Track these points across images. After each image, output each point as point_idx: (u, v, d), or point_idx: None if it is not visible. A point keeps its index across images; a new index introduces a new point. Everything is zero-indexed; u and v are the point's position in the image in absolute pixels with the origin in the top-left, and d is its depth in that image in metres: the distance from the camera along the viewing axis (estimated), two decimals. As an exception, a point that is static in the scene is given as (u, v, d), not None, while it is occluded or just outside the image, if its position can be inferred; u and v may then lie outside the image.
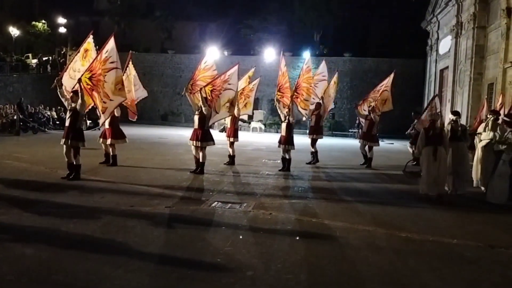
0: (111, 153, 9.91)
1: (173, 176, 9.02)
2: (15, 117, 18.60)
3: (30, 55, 35.44)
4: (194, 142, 9.29)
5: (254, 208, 6.40)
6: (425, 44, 28.13)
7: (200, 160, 9.35)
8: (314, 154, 12.05)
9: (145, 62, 33.25)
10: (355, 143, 14.34)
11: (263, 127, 29.58)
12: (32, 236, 4.57)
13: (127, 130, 10.32)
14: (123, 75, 9.18)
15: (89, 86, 8.11)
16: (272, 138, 12.41)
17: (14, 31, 37.54)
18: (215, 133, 10.25)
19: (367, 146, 12.04)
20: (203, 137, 9.23)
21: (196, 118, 9.37)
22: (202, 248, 4.48)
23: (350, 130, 28.08)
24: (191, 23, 42.40)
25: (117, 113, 9.82)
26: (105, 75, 8.33)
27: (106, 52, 8.35)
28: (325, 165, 11.99)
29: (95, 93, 8.22)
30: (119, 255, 4.12)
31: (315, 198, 7.43)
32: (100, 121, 8.99)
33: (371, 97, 12.48)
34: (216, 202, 6.63)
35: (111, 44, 8.41)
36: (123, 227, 5.10)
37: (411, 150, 12.00)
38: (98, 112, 8.64)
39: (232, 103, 9.78)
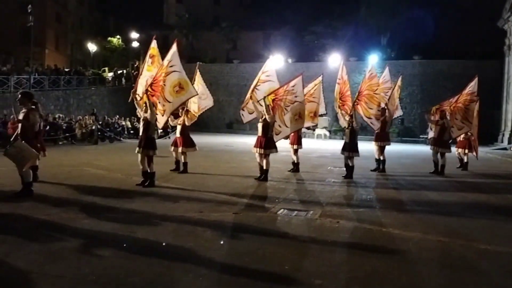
0: (183, 161, 10.28)
1: (239, 183, 9.16)
2: (93, 127, 19.95)
3: (106, 69, 37.87)
4: (258, 149, 9.40)
5: (320, 216, 6.33)
6: (502, 44, 26.33)
7: (264, 167, 9.43)
8: (382, 162, 11.65)
9: (211, 72, 34.25)
10: (426, 149, 13.71)
11: (327, 134, 29.23)
12: (110, 240, 4.84)
13: (195, 138, 10.66)
14: (193, 83, 9.50)
15: (151, 94, 8.45)
16: (337, 145, 12.20)
17: (92, 47, 40.34)
18: (279, 141, 10.27)
19: (439, 153, 11.48)
20: (267, 145, 9.30)
21: (259, 126, 9.47)
22: (269, 256, 4.49)
23: (420, 136, 26.87)
24: (255, 32, 43.09)
25: (187, 122, 10.20)
26: (165, 79, 8.61)
27: (168, 57, 8.66)
28: (393, 173, 11.58)
29: (155, 99, 8.54)
30: (189, 260, 4.25)
31: (384, 207, 7.18)
32: (159, 125, 9.19)
33: (447, 107, 11.91)
34: (282, 210, 6.63)
35: (173, 49, 8.73)
36: (192, 233, 5.25)
37: None
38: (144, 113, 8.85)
39: (301, 115, 9.80)
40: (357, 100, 10.48)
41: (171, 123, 10.41)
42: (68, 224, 5.40)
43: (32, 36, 29.57)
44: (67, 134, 18.87)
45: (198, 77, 10.61)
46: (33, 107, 7.43)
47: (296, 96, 9.63)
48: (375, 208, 7.16)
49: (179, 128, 10.25)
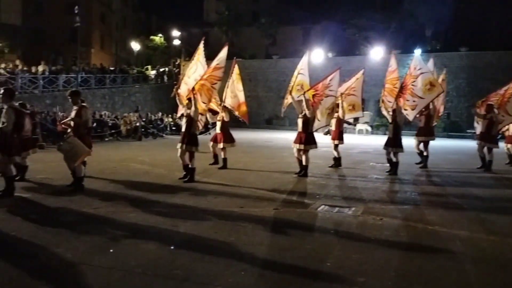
0: (222, 156, 10.40)
1: (279, 178, 9.15)
2: (137, 124, 20.53)
3: (149, 67, 38.84)
4: (298, 145, 9.35)
5: (363, 212, 6.21)
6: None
7: (304, 163, 9.37)
8: (425, 158, 11.27)
9: (250, 68, 34.36)
10: (473, 144, 13.15)
11: (369, 129, 28.65)
12: (154, 233, 4.97)
13: (235, 134, 10.74)
14: (228, 81, 9.63)
15: (195, 92, 8.60)
16: (380, 141, 11.94)
17: (135, 46, 41.45)
18: (320, 136, 10.18)
19: (485, 148, 10.97)
20: (307, 140, 9.23)
21: (299, 121, 9.41)
22: (310, 252, 4.46)
23: (468, 130, 25.80)
24: (294, 27, 42.82)
25: (226, 118, 10.30)
26: (215, 82, 8.77)
27: (218, 60, 8.79)
28: (439, 169, 11.20)
29: (197, 96, 8.67)
30: (230, 255, 4.29)
31: (429, 204, 6.95)
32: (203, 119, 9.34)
33: (493, 100, 11.36)
34: (322, 206, 6.57)
35: (223, 53, 8.83)
36: (233, 228, 5.30)
37: None
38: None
39: (333, 109, 9.71)
40: (400, 94, 10.20)
41: (210, 119, 10.54)
42: (115, 218, 5.59)
43: (79, 36, 30.80)
44: (113, 131, 19.51)
45: (235, 73, 10.68)
46: (84, 104, 7.72)
47: (330, 90, 9.54)
48: (420, 205, 6.95)
49: (219, 124, 10.37)
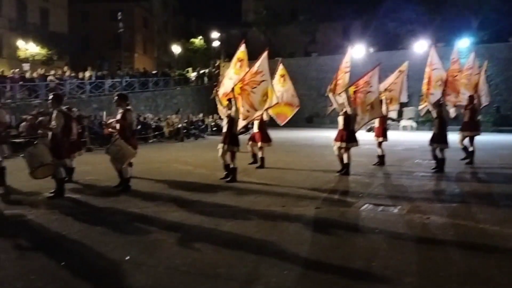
0: (260, 155, 10.42)
1: (320, 177, 9.05)
2: (179, 125, 20.95)
3: (189, 69, 39.51)
4: (339, 143, 9.20)
5: (409, 211, 6.03)
6: None
7: (345, 161, 9.22)
8: (470, 153, 10.78)
9: (289, 67, 33.87)
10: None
11: (414, 125, 27.83)
12: (198, 232, 5.05)
13: (275, 133, 10.72)
14: (272, 80, 9.60)
15: (238, 95, 8.66)
16: (426, 137, 11.53)
17: (176, 49, 42.32)
18: (362, 133, 9.98)
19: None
20: (348, 138, 9.07)
21: (340, 119, 9.26)
22: (354, 252, 4.38)
23: (520, 124, 24.49)
24: (334, 23, 42.28)
25: (265, 117, 10.31)
26: (255, 87, 8.78)
27: (259, 65, 8.79)
28: (489, 165, 10.70)
29: (239, 100, 8.73)
30: (273, 254, 4.28)
31: (479, 202, 6.64)
32: (239, 127, 9.36)
33: None
34: (366, 204, 6.43)
35: (264, 58, 8.84)
36: (275, 226, 5.29)
37: None
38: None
39: (373, 105, 9.47)
40: (445, 88, 9.85)
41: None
42: (160, 217, 5.72)
43: (123, 42, 31.81)
44: (156, 133, 20.01)
45: (286, 74, 10.68)
46: (129, 107, 7.95)
47: (371, 86, 9.33)
48: (469, 203, 6.65)
49: (256, 123, 10.38)
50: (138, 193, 7.32)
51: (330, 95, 9.63)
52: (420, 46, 29.88)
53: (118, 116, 7.80)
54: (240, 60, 9.50)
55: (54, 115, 6.99)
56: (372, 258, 4.16)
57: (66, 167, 8.09)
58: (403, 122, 27.50)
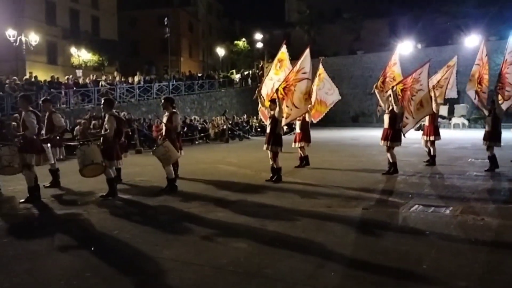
0: (303, 155, 10.39)
1: (367, 177, 8.86)
2: (224, 127, 21.23)
3: (233, 71, 39.96)
4: (383, 142, 8.99)
5: (461, 212, 5.78)
6: None
7: (391, 160, 8.98)
8: None
9: (334, 65, 33.75)
10: None
11: (466, 122, 26.68)
12: (243, 232, 5.08)
13: (320, 133, 10.67)
14: (313, 80, 9.54)
15: (281, 96, 8.65)
16: (479, 135, 11.02)
17: (220, 52, 42.93)
18: (411, 132, 9.68)
19: None
20: (392, 137, 8.84)
21: (386, 117, 9.04)
22: (404, 254, 4.25)
23: None
24: (380, 20, 41.31)
25: (308, 118, 10.26)
26: (296, 84, 8.77)
27: (301, 63, 8.77)
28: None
29: (283, 101, 8.72)
30: (320, 255, 4.23)
31: (540, 203, 6.27)
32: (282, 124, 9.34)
33: None
34: (416, 205, 6.23)
35: (306, 56, 8.80)
36: (322, 227, 5.23)
37: None
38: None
39: (422, 103, 9.15)
40: (499, 84, 9.35)
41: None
42: (206, 217, 5.82)
43: (169, 46, 32.64)
44: (202, 134, 20.38)
45: (323, 73, 10.60)
46: (175, 110, 8.16)
47: (421, 84, 9.01)
48: (529, 204, 6.29)
49: (298, 123, 10.35)
50: (185, 194, 7.47)
51: (377, 92, 9.42)
52: (471, 40, 28.61)
53: (164, 119, 8.01)
54: (280, 61, 9.50)
55: (106, 118, 7.28)
56: (422, 261, 4.02)
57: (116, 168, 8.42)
58: (454, 120, 26.43)
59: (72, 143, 14.06)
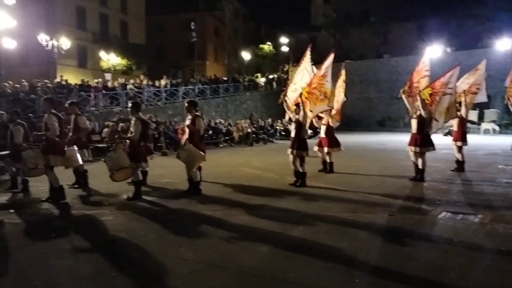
0: (328, 161, 10.29)
1: (394, 183, 8.72)
2: (249, 130, 21.29)
3: (258, 74, 40.03)
4: (413, 147, 8.82)
5: (491, 220, 5.62)
6: None
7: (420, 167, 8.79)
8: None
9: (360, 69, 33.44)
10: None
11: (497, 128, 25.91)
12: (267, 236, 5.08)
13: (346, 138, 10.54)
14: (336, 83, 9.48)
15: (305, 99, 8.61)
16: (510, 141, 10.71)
17: (246, 56, 43.14)
18: (440, 137, 9.48)
19: None
20: (422, 142, 8.67)
21: (414, 122, 8.87)
22: (431, 262, 4.16)
23: None
24: (408, 23, 40.71)
25: (332, 122, 10.17)
26: (320, 89, 8.72)
27: (325, 68, 8.72)
28: None
29: (307, 106, 8.66)
30: (344, 261, 4.19)
31: None
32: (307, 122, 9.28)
33: None
34: (444, 212, 6.09)
35: (330, 60, 8.75)
36: (346, 233, 5.18)
37: None
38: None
39: (449, 108, 8.95)
40: None
41: (315, 124, 10.47)
42: (230, 220, 5.84)
43: (196, 51, 33.02)
44: (227, 137, 20.49)
45: (342, 76, 10.51)
46: (198, 113, 8.24)
47: (449, 88, 8.81)
48: None
49: (323, 128, 10.26)
50: (209, 197, 7.52)
51: (404, 97, 9.26)
52: (503, 44, 27.84)
53: (187, 122, 8.09)
54: (306, 65, 9.44)
55: (132, 121, 7.42)
56: (450, 269, 3.93)
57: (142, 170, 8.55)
58: (484, 125, 25.72)
59: (100, 145, 14.39)
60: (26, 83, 18.56)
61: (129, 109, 7.74)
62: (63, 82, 20.88)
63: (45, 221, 6.12)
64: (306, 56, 9.31)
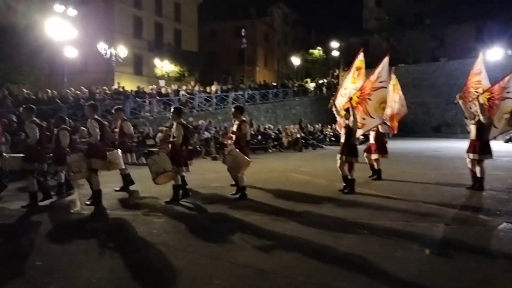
0: (376, 167, 10.02)
1: (450, 192, 8.34)
2: (298, 136, 21.19)
3: (308, 80, 39.83)
4: (471, 154, 8.39)
5: (559, 234, 5.22)
6: None
7: (478, 175, 8.34)
8: None
9: (414, 73, 32.40)
10: None
11: None
12: (315, 243, 4.99)
13: (399, 144, 10.25)
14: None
15: (355, 105, 8.44)
16: None
17: (295, 61, 43.09)
18: (499, 144, 8.96)
19: None
20: (481, 149, 8.22)
21: (472, 128, 8.44)
22: (489, 275, 3.92)
23: None
24: (465, 25, 38.99)
25: (382, 129, 9.91)
26: (372, 93, 8.52)
27: (379, 71, 8.53)
28: None
29: (357, 111, 8.49)
30: (397, 272, 4.03)
31: None
32: (358, 135, 9.07)
33: None
34: (505, 223, 5.74)
35: (385, 64, 8.54)
36: (399, 243, 4.98)
37: None
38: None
39: (511, 113, 8.44)
40: None
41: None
42: (277, 225, 5.79)
43: (246, 57, 33.42)
44: (275, 143, 20.51)
45: (397, 83, 10.27)
46: (244, 119, 8.29)
47: (508, 92, 8.30)
48: None
49: (373, 134, 10.01)
50: (255, 202, 7.51)
51: (461, 102, 8.86)
52: None
53: (234, 127, 8.16)
54: (358, 69, 9.27)
55: (174, 126, 7.60)
56: (509, 286, 3.68)
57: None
58: (552, 132, 24.04)
59: (153, 149, 14.86)
60: (86, 90, 19.59)
61: (171, 115, 7.89)
62: (120, 89, 21.83)
63: (82, 223, 6.32)
64: (360, 61, 9.16)
